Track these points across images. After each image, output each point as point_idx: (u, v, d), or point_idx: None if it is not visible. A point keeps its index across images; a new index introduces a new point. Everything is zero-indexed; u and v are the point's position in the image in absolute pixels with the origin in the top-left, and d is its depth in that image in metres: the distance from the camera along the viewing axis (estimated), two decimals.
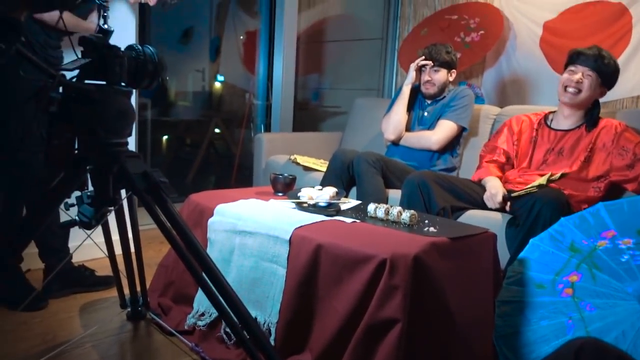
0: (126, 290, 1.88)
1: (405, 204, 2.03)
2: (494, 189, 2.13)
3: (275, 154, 3.10)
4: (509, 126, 2.38)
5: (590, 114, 2.18)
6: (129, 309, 1.90)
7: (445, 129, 2.66)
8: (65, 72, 1.13)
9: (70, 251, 2.03)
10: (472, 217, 2.05)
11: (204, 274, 1.22)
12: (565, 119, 2.22)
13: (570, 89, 2.14)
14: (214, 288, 1.21)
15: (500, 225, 1.99)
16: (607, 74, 2.12)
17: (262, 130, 3.98)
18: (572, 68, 2.16)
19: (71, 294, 2.09)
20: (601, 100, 2.24)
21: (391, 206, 1.73)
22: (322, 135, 3.82)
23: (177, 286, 1.89)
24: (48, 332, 1.76)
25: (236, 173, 4.35)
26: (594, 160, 2.12)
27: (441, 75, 2.78)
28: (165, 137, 4.99)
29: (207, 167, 4.81)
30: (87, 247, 2.49)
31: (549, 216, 1.77)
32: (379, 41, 4.35)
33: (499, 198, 2.09)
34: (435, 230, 1.57)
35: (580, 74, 2.13)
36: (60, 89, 1.12)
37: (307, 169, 2.81)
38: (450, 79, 2.86)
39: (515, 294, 1.63)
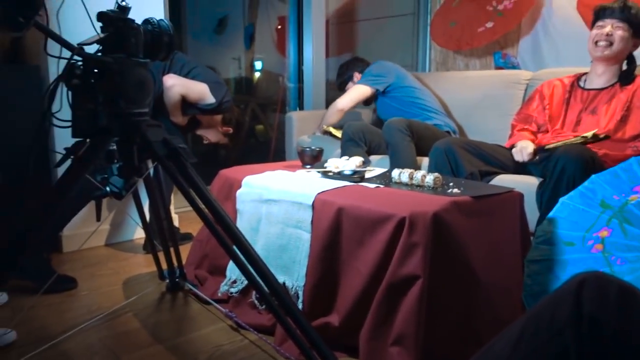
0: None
1: (433, 169, 2.03)
2: (525, 143, 2.11)
3: (308, 133, 3.13)
4: (540, 92, 2.32)
5: (625, 70, 2.10)
6: (168, 281, 1.99)
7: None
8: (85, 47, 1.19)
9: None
10: (503, 181, 2.03)
11: (228, 240, 1.26)
12: (599, 77, 2.14)
13: (602, 43, 2.07)
14: (242, 256, 1.26)
15: (532, 189, 1.95)
16: (638, 24, 2.04)
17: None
18: (600, 23, 2.09)
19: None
20: (637, 53, 2.15)
21: (416, 170, 1.73)
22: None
23: (211, 258, 1.96)
24: (92, 304, 1.86)
25: (273, 156, 4.42)
26: (631, 119, 2.03)
27: None
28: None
29: (247, 153, 4.90)
30: (130, 227, 2.64)
31: (572, 173, 1.73)
32: (410, 16, 4.29)
33: (530, 149, 2.07)
34: (459, 191, 1.56)
35: (609, 26, 2.06)
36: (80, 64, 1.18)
37: (338, 138, 2.83)
38: None
39: (545, 252, 1.61)
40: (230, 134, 2.81)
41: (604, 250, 1.48)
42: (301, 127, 3.18)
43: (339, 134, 2.83)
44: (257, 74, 5.34)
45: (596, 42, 2.09)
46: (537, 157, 2.07)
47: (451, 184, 1.68)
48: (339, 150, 2.70)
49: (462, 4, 3.77)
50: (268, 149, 4.58)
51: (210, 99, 2.40)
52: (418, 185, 1.67)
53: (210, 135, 2.69)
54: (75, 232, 2.42)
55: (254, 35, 5.32)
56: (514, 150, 2.13)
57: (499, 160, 2.12)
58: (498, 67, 3.71)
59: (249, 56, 5.40)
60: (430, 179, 1.66)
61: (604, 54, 2.08)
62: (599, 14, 2.11)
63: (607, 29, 2.06)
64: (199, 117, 2.57)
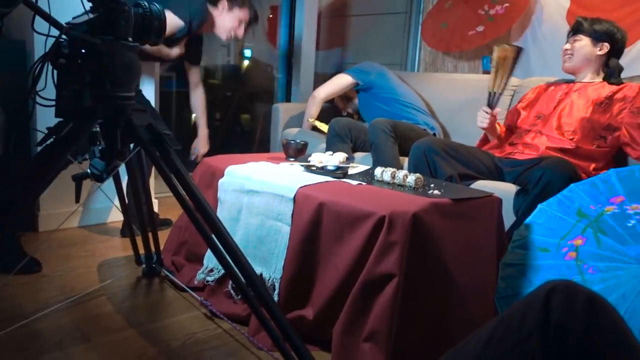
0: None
1: (412, 169, 2.05)
2: (479, 113, 2.25)
3: (293, 126, 3.13)
4: (523, 96, 2.40)
5: (608, 68, 2.25)
6: (144, 266, 1.98)
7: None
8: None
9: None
10: (482, 186, 2.04)
11: (207, 229, 1.26)
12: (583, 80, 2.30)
13: (565, 57, 2.29)
14: (220, 246, 1.26)
15: (511, 195, 1.98)
16: (596, 31, 2.22)
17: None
18: (565, 45, 2.32)
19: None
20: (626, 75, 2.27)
21: (398, 170, 1.74)
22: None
23: (189, 245, 1.95)
24: (67, 285, 1.85)
25: (257, 146, 4.40)
26: (611, 109, 2.13)
27: None
28: (191, 113, 5.06)
29: (231, 141, 4.87)
30: (104, 211, 2.61)
31: (557, 186, 1.76)
32: (402, 15, 4.30)
33: (482, 111, 2.21)
34: (439, 193, 1.58)
35: (568, 43, 2.29)
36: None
37: (324, 133, 2.85)
38: None
39: (519, 257, 1.64)
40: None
41: (577, 258, 1.52)
42: (287, 119, 3.18)
43: (325, 128, 2.84)
44: (245, 63, 5.31)
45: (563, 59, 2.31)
46: (497, 110, 2.20)
47: (432, 185, 1.69)
48: (324, 145, 2.71)
49: (455, 6, 3.80)
50: (253, 139, 4.56)
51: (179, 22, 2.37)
52: (400, 185, 1.69)
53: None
54: (51, 212, 2.39)
55: None
56: (478, 120, 2.25)
57: (478, 165, 2.15)
58: (485, 71, 3.74)
59: (238, 44, 5.35)
60: (411, 179, 1.67)
61: (565, 66, 2.31)
62: (566, 37, 2.33)
63: (567, 45, 2.30)
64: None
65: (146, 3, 1.30)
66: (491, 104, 2.18)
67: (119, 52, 1.23)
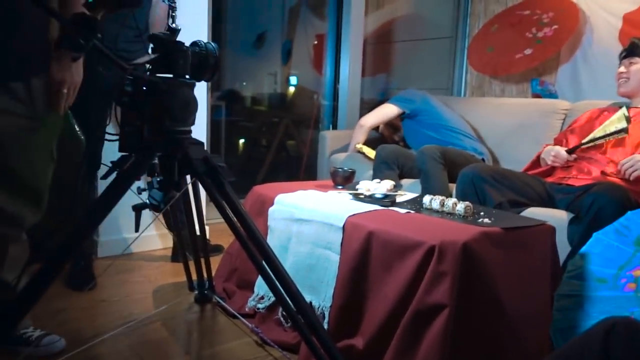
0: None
1: (460, 196, 2.03)
2: (554, 147, 2.22)
3: (340, 152, 3.17)
4: (575, 120, 2.37)
5: None
6: (197, 292, 2.03)
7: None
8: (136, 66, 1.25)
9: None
10: (534, 214, 2.00)
11: (259, 257, 1.30)
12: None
13: (620, 81, 2.24)
14: (271, 273, 1.29)
15: (564, 223, 1.93)
16: None
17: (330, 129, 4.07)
18: (619, 68, 2.26)
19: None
20: None
21: (447, 198, 1.73)
22: None
23: (241, 272, 1.99)
24: (124, 310, 1.92)
25: (304, 172, 4.46)
26: None
27: None
28: (239, 139, 5.21)
29: (278, 167, 4.96)
30: (154, 238, 2.70)
31: (610, 213, 1.71)
32: (448, 40, 4.31)
33: (563, 153, 2.15)
34: (490, 221, 1.56)
35: (623, 66, 2.23)
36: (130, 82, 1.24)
37: (371, 160, 2.86)
38: None
39: (575, 287, 1.59)
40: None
41: (637, 289, 1.46)
42: (334, 146, 3.21)
43: (371, 154, 2.86)
44: (292, 90, 5.43)
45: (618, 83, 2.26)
46: (573, 157, 2.16)
47: (482, 213, 1.68)
48: (371, 172, 2.72)
49: (501, 30, 3.78)
50: (299, 165, 4.63)
51: None
52: (449, 213, 1.68)
53: None
54: (110, 238, 2.50)
55: (291, 52, 5.41)
56: (544, 153, 2.18)
57: (529, 191, 2.11)
58: (535, 94, 3.69)
59: (285, 72, 5.48)
60: (461, 207, 1.66)
61: (620, 91, 2.25)
62: (619, 58, 2.28)
63: (621, 68, 2.25)
64: None
65: (202, 42, 1.37)
66: (573, 151, 2.17)
67: (177, 89, 1.29)
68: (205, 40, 1.39)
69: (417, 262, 1.38)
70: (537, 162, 2.41)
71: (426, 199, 1.76)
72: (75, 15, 1.10)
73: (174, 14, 1.45)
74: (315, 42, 4.97)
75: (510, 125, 2.99)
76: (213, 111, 4.04)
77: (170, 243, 2.66)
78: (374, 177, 2.57)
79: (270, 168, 4.73)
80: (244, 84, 5.65)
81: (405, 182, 2.64)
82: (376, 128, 3.27)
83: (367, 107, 3.81)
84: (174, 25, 1.43)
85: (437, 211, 1.71)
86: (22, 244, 1.50)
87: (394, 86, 4.64)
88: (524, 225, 1.58)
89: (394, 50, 4.61)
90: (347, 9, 3.81)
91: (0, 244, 1.44)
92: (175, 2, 1.45)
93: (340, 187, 2.10)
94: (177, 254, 2.46)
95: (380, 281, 1.48)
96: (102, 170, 1.29)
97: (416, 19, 4.58)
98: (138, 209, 1.50)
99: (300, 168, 4.53)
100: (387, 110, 3.03)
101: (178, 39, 1.34)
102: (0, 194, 1.37)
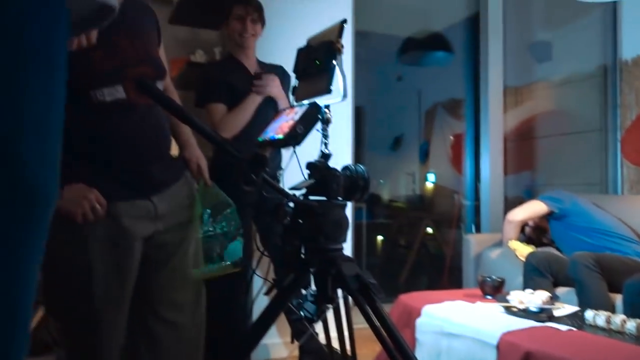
0: None
1: (629, 311, 1.83)
2: None
3: (484, 258, 3.06)
4: None
5: None
6: None
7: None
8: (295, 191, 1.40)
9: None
10: None
11: None
12: None
13: None
14: None
15: None
16: None
17: (473, 230, 3.97)
18: None
19: None
20: None
21: (613, 314, 1.59)
22: None
23: None
24: None
25: (448, 273, 4.34)
26: None
27: None
28: (379, 238, 5.28)
29: (420, 267, 4.90)
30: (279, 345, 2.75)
31: None
32: (597, 132, 4.09)
33: None
34: None
35: None
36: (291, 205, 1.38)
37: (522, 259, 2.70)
38: None
39: None
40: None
41: None
42: (478, 250, 3.12)
43: (525, 250, 2.70)
44: (429, 186, 5.45)
45: None
46: None
47: None
48: (521, 278, 2.58)
49: None
50: (441, 266, 4.53)
51: None
52: (617, 332, 1.53)
53: None
54: (262, 341, 2.61)
55: (428, 152, 5.51)
56: None
57: None
58: None
59: (423, 172, 5.56)
60: (632, 325, 1.51)
61: None
62: None
63: None
64: None
65: (352, 166, 1.49)
66: None
67: (330, 211, 1.41)
68: (352, 163, 1.51)
69: None
70: None
71: (589, 314, 1.63)
72: (249, 154, 1.28)
73: (326, 141, 1.61)
74: (453, 142, 5.02)
75: None
76: (354, 212, 4.20)
77: (295, 351, 2.70)
78: (524, 285, 2.42)
79: (413, 268, 4.69)
80: (381, 181, 5.81)
81: (560, 290, 2.44)
82: (522, 230, 3.12)
83: (511, 206, 3.68)
84: (326, 151, 1.59)
85: (602, 329, 1.57)
86: None
87: (540, 183, 4.45)
88: None
89: (537, 146, 4.48)
90: (485, 108, 3.84)
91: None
92: (327, 130, 1.62)
93: (489, 297, 2.02)
94: None
95: None
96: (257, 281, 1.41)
97: (559, 113, 4.45)
98: (294, 321, 1.59)
99: (444, 270, 4.42)
100: (537, 207, 2.90)
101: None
102: None
